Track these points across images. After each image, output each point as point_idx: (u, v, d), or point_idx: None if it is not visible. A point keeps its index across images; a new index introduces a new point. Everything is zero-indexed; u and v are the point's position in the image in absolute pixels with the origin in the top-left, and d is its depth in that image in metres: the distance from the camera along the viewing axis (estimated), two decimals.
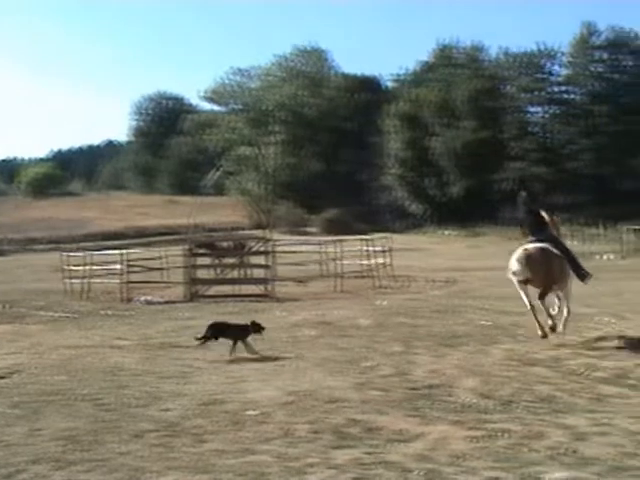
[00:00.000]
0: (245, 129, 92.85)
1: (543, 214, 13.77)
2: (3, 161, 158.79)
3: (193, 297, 23.66)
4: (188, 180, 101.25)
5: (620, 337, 12.94)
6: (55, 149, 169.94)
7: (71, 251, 32.49)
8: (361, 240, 30.58)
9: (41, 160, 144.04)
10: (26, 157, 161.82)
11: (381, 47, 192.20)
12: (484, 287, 24.06)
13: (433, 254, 47.48)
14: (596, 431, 7.59)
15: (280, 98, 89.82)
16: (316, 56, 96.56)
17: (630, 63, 71.13)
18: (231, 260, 27.98)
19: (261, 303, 21.63)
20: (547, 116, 75.98)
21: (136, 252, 31.05)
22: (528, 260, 12.70)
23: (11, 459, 7.27)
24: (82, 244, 49.52)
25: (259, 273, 25.47)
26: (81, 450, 7.60)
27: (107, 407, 9.41)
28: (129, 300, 23.57)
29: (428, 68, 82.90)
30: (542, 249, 12.85)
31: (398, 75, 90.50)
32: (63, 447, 7.70)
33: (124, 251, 27.15)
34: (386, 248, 29.32)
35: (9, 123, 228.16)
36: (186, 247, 25.46)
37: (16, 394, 10.22)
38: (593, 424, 7.84)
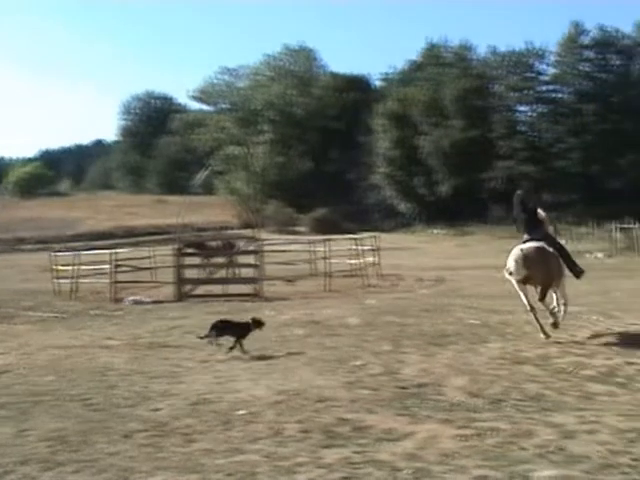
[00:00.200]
0: (234, 128, 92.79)
1: (540, 212, 13.86)
2: None
3: (182, 297, 23.61)
4: (177, 180, 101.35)
5: (608, 335, 12.99)
6: (43, 149, 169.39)
7: (59, 251, 32.39)
8: (350, 239, 30.59)
9: (29, 160, 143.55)
10: (14, 157, 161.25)
11: (370, 46, 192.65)
12: (473, 286, 24.12)
13: (422, 253, 47.57)
14: (585, 429, 7.61)
15: (269, 97, 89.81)
16: (305, 55, 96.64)
17: (617, 62, 71.38)
18: (220, 260, 27.94)
19: (250, 303, 21.59)
20: (535, 115, 76.19)
21: (125, 252, 30.95)
22: (525, 260, 12.79)
23: None
24: (71, 244, 49.31)
25: (248, 272, 25.43)
26: (70, 451, 7.58)
27: (96, 407, 9.39)
28: (118, 300, 23.50)
29: (417, 67, 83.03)
30: (538, 248, 12.97)
31: (387, 74, 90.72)
32: (52, 448, 7.68)
33: (113, 251, 27.07)
34: (375, 247, 29.33)
35: None
36: (175, 247, 25.41)
37: (4, 394, 10.19)
38: (582, 422, 7.86)
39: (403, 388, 9.78)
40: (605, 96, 68.06)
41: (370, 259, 28.28)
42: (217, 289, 24.51)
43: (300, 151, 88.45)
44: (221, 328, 13.08)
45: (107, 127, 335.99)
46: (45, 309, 21.53)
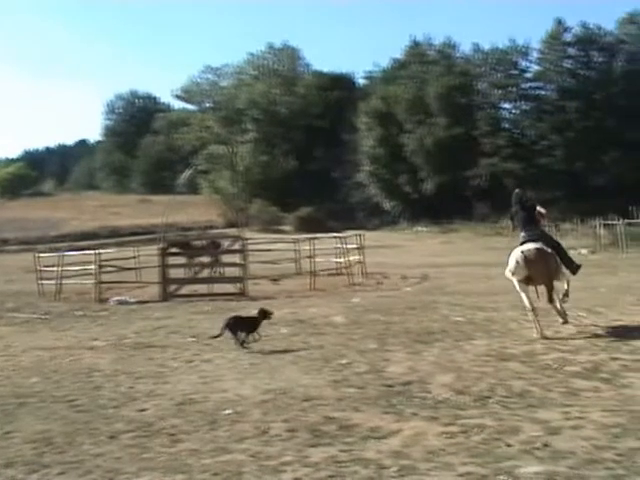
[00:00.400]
0: (218, 128, 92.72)
1: (540, 209, 14.18)
2: None
3: (167, 297, 23.55)
4: (161, 179, 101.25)
5: (593, 332, 13.05)
6: (27, 149, 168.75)
7: (43, 252, 32.25)
8: (335, 238, 30.59)
9: (12, 160, 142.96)
10: None
11: (354, 45, 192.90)
12: (458, 283, 24.18)
13: (407, 251, 47.63)
14: (570, 425, 7.64)
15: (253, 96, 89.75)
16: (289, 54, 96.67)
17: (600, 59, 71.68)
18: (205, 259, 27.89)
19: (235, 302, 21.57)
20: (519, 112, 76.46)
21: (109, 252, 30.85)
22: (526, 261, 13.01)
23: None
24: (55, 244, 49.15)
25: (233, 272, 25.39)
26: (55, 452, 7.56)
27: (81, 408, 9.35)
28: (103, 301, 23.41)
29: (400, 65, 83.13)
30: (538, 249, 13.19)
31: (371, 72, 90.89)
32: (37, 450, 7.66)
33: (97, 251, 26.96)
34: (359, 245, 29.34)
35: None
36: (159, 246, 25.34)
37: None
38: (567, 418, 7.89)
39: (389, 386, 9.79)
40: (588, 93, 68.35)
41: (355, 257, 28.28)
42: (202, 288, 24.47)
43: (284, 150, 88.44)
44: (233, 325, 13.23)
45: (91, 127, 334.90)
46: (29, 310, 21.42)
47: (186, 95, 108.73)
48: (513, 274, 13.16)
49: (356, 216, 76.11)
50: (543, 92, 75.13)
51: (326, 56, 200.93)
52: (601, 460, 6.57)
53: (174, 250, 26.92)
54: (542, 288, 13.52)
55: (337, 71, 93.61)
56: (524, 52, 74.55)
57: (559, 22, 72.07)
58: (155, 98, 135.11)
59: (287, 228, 72.03)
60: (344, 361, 11.54)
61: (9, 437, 8.11)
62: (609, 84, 68.07)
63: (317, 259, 27.00)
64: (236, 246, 26.49)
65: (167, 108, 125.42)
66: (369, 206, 78.36)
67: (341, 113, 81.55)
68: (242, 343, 13.03)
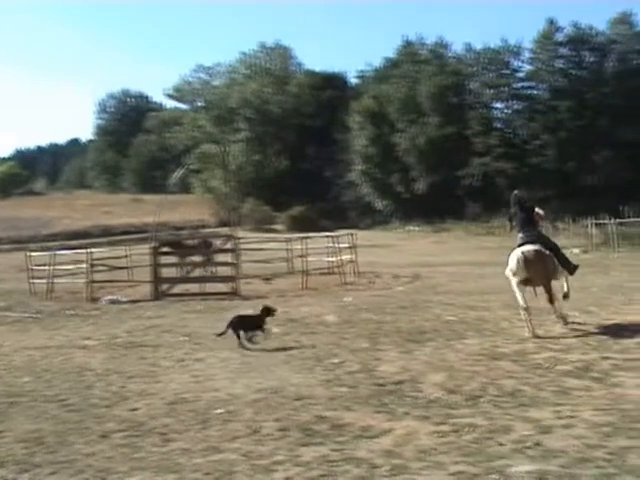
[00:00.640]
0: (210, 127, 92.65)
1: (538, 210, 14.37)
2: None
3: (159, 296, 23.52)
4: (153, 178, 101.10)
5: (584, 331, 13.08)
6: (18, 148, 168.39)
7: (35, 251, 32.19)
8: (327, 237, 30.59)
9: (4, 159, 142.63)
10: None
11: (346, 44, 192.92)
12: (449, 282, 24.20)
13: (399, 250, 47.65)
14: (561, 424, 7.66)
15: (245, 95, 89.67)
16: (281, 53, 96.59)
17: (591, 59, 71.79)
18: (197, 258, 27.85)
19: (227, 301, 21.56)
20: (511, 112, 76.53)
21: (101, 251, 30.81)
22: (526, 262, 13.17)
23: None
24: (47, 244, 49.05)
25: (225, 271, 25.37)
26: (46, 452, 7.55)
27: (73, 408, 9.34)
28: (94, 300, 23.38)
29: (393, 65, 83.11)
30: (537, 251, 13.35)
31: (363, 72, 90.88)
32: (28, 449, 7.65)
33: (89, 250, 26.92)
34: (351, 245, 29.34)
35: None
36: (151, 246, 25.30)
37: None
38: (558, 417, 7.91)
39: (381, 385, 9.79)
40: (580, 93, 68.46)
41: (347, 257, 28.27)
42: (194, 288, 24.44)
43: (276, 149, 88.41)
44: (237, 324, 13.29)
45: (83, 126, 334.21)
46: (21, 309, 21.38)
47: (178, 94, 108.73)
48: (514, 274, 13.27)
49: (348, 215, 76.12)
50: (535, 92, 75.24)
51: (318, 55, 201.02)
52: (592, 459, 6.59)
53: (166, 249, 26.88)
54: (540, 289, 13.71)
55: (329, 70, 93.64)
56: (516, 52, 74.64)
57: (551, 22, 72.19)
58: (147, 97, 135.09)
59: (279, 227, 72.02)
60: (336, 360, 11.55)
61: (0, 437, 8.10)
62: (601, 84, 68.19)
63: (309, 258, 27.00)
64: (228, 245, 26.47)
65: (159, 107, 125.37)
66: (361, 205, 78.37)
67: (333, 112, 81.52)
68: (250, 339, 13.11)
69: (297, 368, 11.13)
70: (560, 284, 13.96)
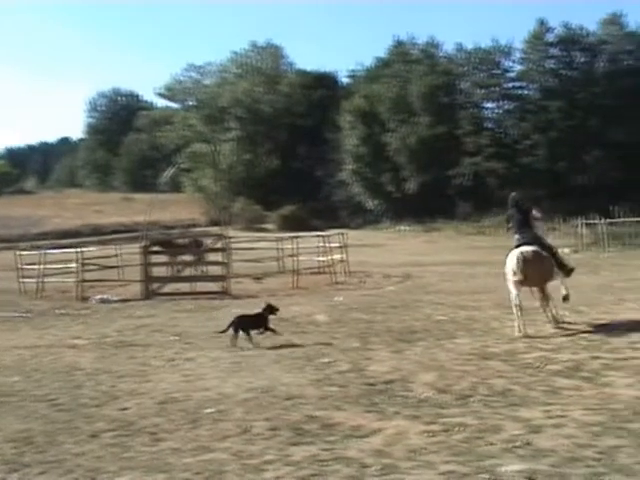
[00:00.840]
0: (201, 126, 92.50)
1: (535, 213, 14.57)
2: None
3: (149, 295, 23.50)
4: (144, 177, 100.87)
5: (575, 330, 13.11)
6: (8, 146, 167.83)
7: (25, 250, 32.11)
8: (317, 236, 30.59)
9: None
10: None
11: (337, 44, 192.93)
12: (440, 282, 24.22)
13: (389, 250, 47.66)
14: (551, 423, 7.67)
15: (236, 95, 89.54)
16: (272, 53, 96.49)
17: (582, 60, 71.90)
18: (187, 257, 27.83)
19: (218, 300, 21.55)
20: (501, 111, 76.62)
21: (92, 250, 30.75)
22: (525, 262, 13.28)
23: None
24: (37, 242, 48.90)
25: (216, 270, 25.36)
26: (36, 452, 7.53)
27: (62, 407, 9.32)
28: (84, 299, 23.35)
29: (384, 64, 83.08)
30: (535, 252, 13.49)
31: (354, 71, 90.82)
32: (17, 449, 7.64)
33: (79, 249, 26.87)
34: (342, 244, 29.34)
35: None
36: (142, 245, 25.27)
37: None
38: (548, 416, 7.92)
39: (371, 385, 9.80)
40: (570, 93, 68.57)
41: (338, 256, 28.27)
42: (185, 287, 24.43)
43: (267, 148, 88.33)
44: (239, 324, 13.32)
45: (73, 125, 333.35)
46: (10, 309, 21.33)
47: (169, 93, 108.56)
48: (514, 274, 13.33)
49: (339, 215, 76.10)
50: (526, 92, 75.32)
51: (310, 55, 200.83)
52: (582, 458, 6.60)
53: (156, 248, 26.85)
54: (535, 290, 13.91)
55: (321, 70, 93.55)
56: (507, 52, 74.71)
57: (542, 22, 72.27)
58: (138, 96, 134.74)
59: (270, 227, 71.97)
60: (326, 360, 11.55)
61: None
62: (591, 84, 68.31)
63: (300, 258, 27.01)
64: (219, 244, 26.46)
65: (150, 106, 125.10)
66: (352, 205, 78.35)
67: (324, 112, 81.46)
68: (249, 337, 13.17)
69: (287, 367, 11.13)
70: (555, 285, 14.09)
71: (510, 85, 75.33)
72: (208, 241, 28.71)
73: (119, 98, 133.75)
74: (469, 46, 76.89)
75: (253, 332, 13.32)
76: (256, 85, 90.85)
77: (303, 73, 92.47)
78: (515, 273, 13.31)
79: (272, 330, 13.50)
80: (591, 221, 43.36)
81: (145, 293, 23.68)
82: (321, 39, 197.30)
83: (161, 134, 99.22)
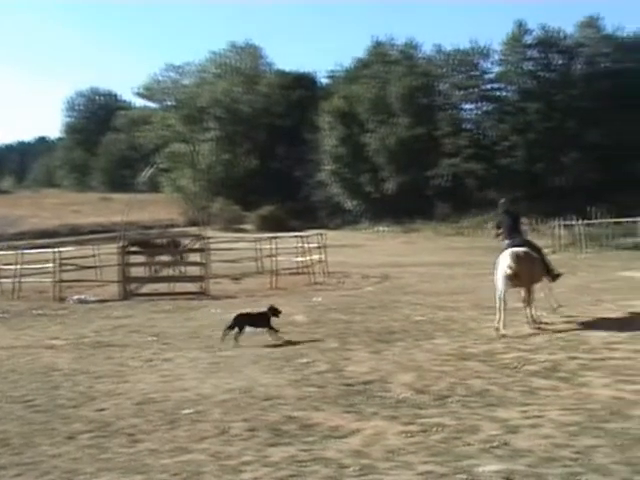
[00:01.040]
0: (179, 126, 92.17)
1: (522, 219, 15.37)
2: None
3: (127, 295, 23.42)
4: (122, 177, 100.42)
5: (552, 331, 13.18)
6: None
7: (2, 249, 31.88)
8: (296, 237, 30.58)
9: None
10: None
11: (316, 44, 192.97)
12: (419, 283, 24.27)
13: (368, 250, 47.70)
14: (528, 423, 7.71)
15: (215, 95, 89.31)
16: (251, 53, 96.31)
17: (559, 62, 72.24)
18: (165, 258, 27.74)
19: (196, 301, 21.51)
20: (480, 113, 76.84)
21: (69, 250, 30.56)
22: (518, 260, 13.54)
23: None
24: (14, 242, 48.57)
25: (194, 271, 25.30)
26: (12, 453, 7.49)
27: (39, 409, 9.27)
28: (62, 299, 23.22)
29: (363, 65, 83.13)
30: (526, 252, 13.88)
31: (333, 72, 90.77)
32: None
33: (57, 249, 26.71)
34: (321, 245, 29.35)
35: None
36: (120, 245, 25.16)
37: None
38: (525, 417, 7.96)
39: (349, 385, 9.80)
40: (548, 95, 68.89)
41: (316, 257, 28.28)
42: (163, 287, 24.35)
43: (246, 148, 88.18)
44: (241, 321, 13.48)
45: (51, 124, 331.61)
46: None
47: (148, 93, 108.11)
48: (510, 268, 13.48)
49: (318, 215, 76.08)
50: (504, 93, 75.56)
51: (289, 55, 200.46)
52: (559, 458, 6.63)
53: (134, 249, 26.74)
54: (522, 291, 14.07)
55: (300, 70, 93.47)
56: (485, 54, 74.95)
57: (520, 24, 72.55)
58: (116, 96, 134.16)
59: (249, 227, 71.86)
60: (305, 360, 11.55)
61: None
62: (569, 86, 68.66)
63: (278, 258, 26.99)
64: (197, 245, 26.40)
65: (128, 106, 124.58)
66: (331, 205, 78.34)
67: (303, 112, 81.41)
68: (237, 335, 13.33)
69: (266, 368, 11.12)
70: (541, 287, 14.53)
71: (488, 87, 75.57)
72: (186, 241, 28.64)
73: (97, 98, 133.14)
74: (448, 47, 77.13)
75: (249, 330, 13.48)
76: (235, 85, 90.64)
77: (282, 73, 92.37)
78: (511, 267, 13.46)
79: (274, 329, 13.61)
80: (568, 222, 43.59)
81: (123, 293, 23.59)
82: (300, 40, 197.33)
83: (139, 134, 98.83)
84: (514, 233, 14.59)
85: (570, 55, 71.87)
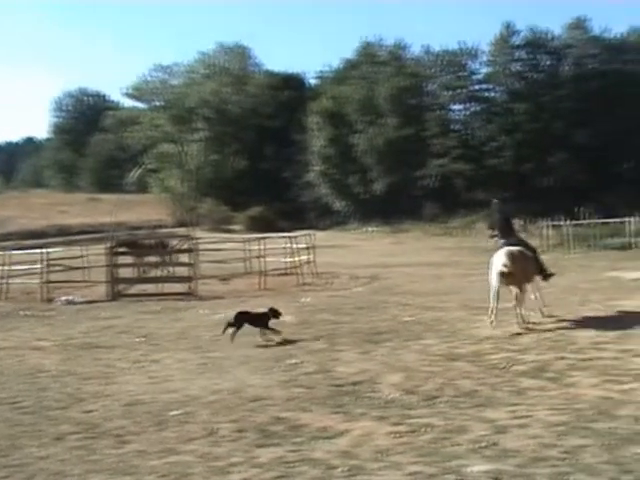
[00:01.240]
0: (168, 126, 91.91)
1: (513, 221, 15.84)
2: None
3: (115, 296, 23.35)
4: (110, 178, 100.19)
5: (540, 331, 13.21)
6: None
7: None
8: (285, 237, 30.56)
9: None
10: None
11: (305, 45, 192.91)
12: (407, 283, 24.27)
13: (357, 251, 47.68)
14: (516, 424, 7.72)
15: (203, 95, 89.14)
16: (239, 53, 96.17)
17: (547, 63, 72.42)
18: (154, 258, 27.67)
19: (184, 301, 21.47)
20: (468, 114, 76.93)
21: (57, 251, 30.44)
22: (513, 258, 13.79)
23: None
24: (1, 243, 48.35)
25: (182, 271, 25.26)
26: None
27: (26, 410, 9.23)
28: (50, 300, 23.14)
29: (351, 66, 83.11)
30: (520, 251, 14.22)
31: (322, 73, 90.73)
32: None
33: (44, 250, 26.61)
34: (310, 245, 29.33)
35: None
36: (108, 246, 25.08)
37: None
38: (514, 417, 7.97)
39: (338, 386, 9.80)
40: (536, 96, 69.02)
41: (305, 257, 28.26)
42: (151, 288, 24.29)
43: (235, 149, 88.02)
44: (241, 319, 13.63)
45: (38, 124, 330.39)
46: None
47: (136, 93, 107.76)
48: (505, 266, 13.64)
49: (307, 216, 75.98)
50: (492, 94, 75.62)
51: (277, 56, 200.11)
52: (547, 458, 6.65)
53: (122, 249, 26.67)
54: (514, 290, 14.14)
55: (288, 71, 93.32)
56: (474, 54, 74.99)
57: (508, 25, 72.64)
58: (104, 96, 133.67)
59: (237, 228, 71.73)
60: (293, 361, 11.54)
61: None
62: (557, 87, 68.78)
63: (267, 259, 26.95)
64: (185, 245, 26.35)
65: (117, 106, 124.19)
66: (319, 206, 78.26)
67: (292, 113, 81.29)
68: (228, 330, 13.54)
69: (254, 369, 11.11)
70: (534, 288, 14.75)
71: (477, 87, 75.62)
72: (174, 242, 28.58)
73: (85, 98, 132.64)
74: (436, 48, 77.11)
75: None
76: (224, 86, 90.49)
77: (271, 74, 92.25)
78: (506, 266, 13.63)
79: (272, 330, 13.68)
80: (556, 222, 43.68)
81: (111, 294, 23.53)
82: (289, 40, 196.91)
83: (128, 134, 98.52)
84: (507, 233, 14.91)
85: (558, 56, 72.03)
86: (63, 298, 23.02)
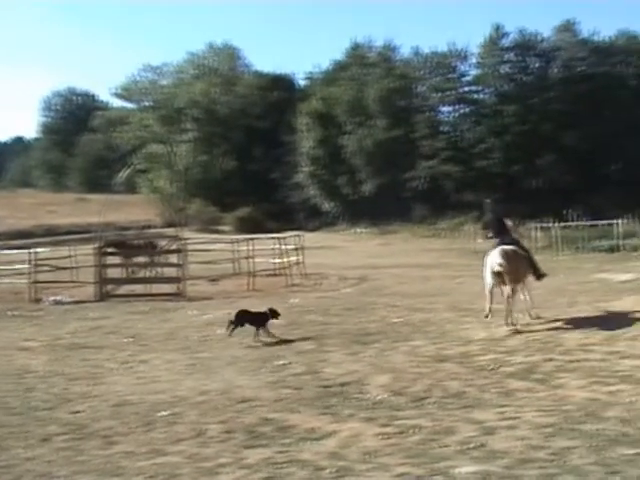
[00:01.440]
0: (157, 126, 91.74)
1: (507, 221, 15.60)
2: None
3: (104, 297, 23.30)
4: (99, 178, 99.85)
5: (528, 333, 13.23)
6: None
7: None
8: (273, 238, 30.55)
9: None
10: None
11: (294, 46, 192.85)
12: (396, 284, 24.29)
13: (346, 252, 47.70)
14: (504, 425, 7.73)
15: (192, 96, 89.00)
16: (229, 54, 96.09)
17: (536, 65, 72.59)
18: (142, 259, 27.61)
19: (173, 302, 21.44)
20: (457, 115, 77.01)
21: (45, 251, 30.35)
22: (507, 256, 13.96)
23: None
24: None
25: (171, 272, 25.22)
26: None
27: (13, 411, 9.20)
28: (38, 300, 23.07)
29: (341, 67, 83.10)
30: (514, 250, 14.38)
31: (311, 74, 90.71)
32: None
33: (32, 250, 26.52)
34: (298, 246, 29.33)
35: None
36: (96, 246, 25.03)
37: None
38: (501, 418, 7.98)
39: (326, 387, 9.80)
40: (525, 98, 69.17)
41: (294, 258, 28.27)
42: (139, 289, 24.24)
43: (224, 150, 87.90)
44: (241, 318, 13.83)
45: (27, 124, 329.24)
46: None
47: (125, 93, 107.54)
48: (500, 265, 13.79)
49: (295, 217, 75.95)
50: (481, 96, 75.71)
51: (267, 57, 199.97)
52: (534, 459, 6.66)
53: (111, 250, 26.61)
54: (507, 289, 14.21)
55: (278, 72, 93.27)
56: (463, 56, 75.04)
57: (497, 27, 72.78)
58: (93, 96, 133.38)
59: (226, 228, 71.67)
60: (281, 362, 11.54)
61: None
62: (545, 89, 68.93)
63: (256, 260, 26.94)
64: (174, 246, 26.31)
65: (105, 106, 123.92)
66: (308, 207, 78.23)
67: (281, 114, 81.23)
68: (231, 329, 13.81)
69: (242, 370, 11.10)
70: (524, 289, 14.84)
71: (466, 89, 75.69)
72: (163, 242, 28.53)
73: (74, 98, 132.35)
74: (426, 50, 77.18)
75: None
76: (213, 86, 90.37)
77: (260, 75, 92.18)
78: (500, 264, 13.79)
79: (268, 332, 13.79)
80: (545, 224, 43.81)
81: (99, 295, 23.48)
82: (278, 41, 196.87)
83: (117, 134, 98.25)
84: (502, 232, 15.02)
85: (547, 59, 72.20)
86: (51, 298, 22.96)
